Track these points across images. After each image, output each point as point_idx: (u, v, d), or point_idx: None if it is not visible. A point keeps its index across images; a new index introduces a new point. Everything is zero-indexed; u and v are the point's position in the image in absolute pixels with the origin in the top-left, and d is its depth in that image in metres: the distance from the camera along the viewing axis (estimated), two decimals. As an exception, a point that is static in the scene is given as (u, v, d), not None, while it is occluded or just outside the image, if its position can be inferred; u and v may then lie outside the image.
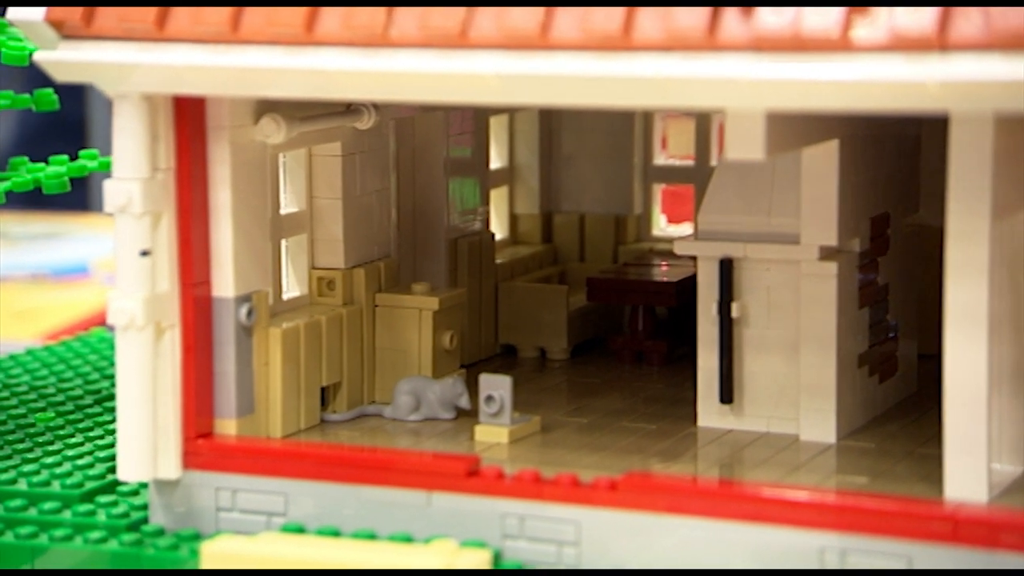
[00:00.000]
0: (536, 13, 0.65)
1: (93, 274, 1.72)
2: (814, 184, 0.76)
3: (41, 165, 0.94)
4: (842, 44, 0.60)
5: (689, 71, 0.63)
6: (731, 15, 0.63)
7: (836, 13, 0.60)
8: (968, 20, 0.59)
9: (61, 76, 0.73)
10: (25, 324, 1.49)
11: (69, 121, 0.72)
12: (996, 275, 0.66)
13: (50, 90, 0.96)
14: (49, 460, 0.86)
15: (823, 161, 0.76)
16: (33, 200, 1.36)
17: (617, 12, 0.64)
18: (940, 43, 0.59)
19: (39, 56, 0.73)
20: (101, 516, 0.78)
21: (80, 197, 1.68)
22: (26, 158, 0.95)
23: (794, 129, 0.68)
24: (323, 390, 0.83)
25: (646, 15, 0.63)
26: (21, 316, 1.51)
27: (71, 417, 0.96)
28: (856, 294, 0.79)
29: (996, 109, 0.62)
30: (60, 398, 1.02)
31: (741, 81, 0.62)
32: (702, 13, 0.63)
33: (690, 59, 0.63)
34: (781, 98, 0.63)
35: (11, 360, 1.12)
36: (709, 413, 0.80)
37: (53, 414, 0.96)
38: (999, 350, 0.67)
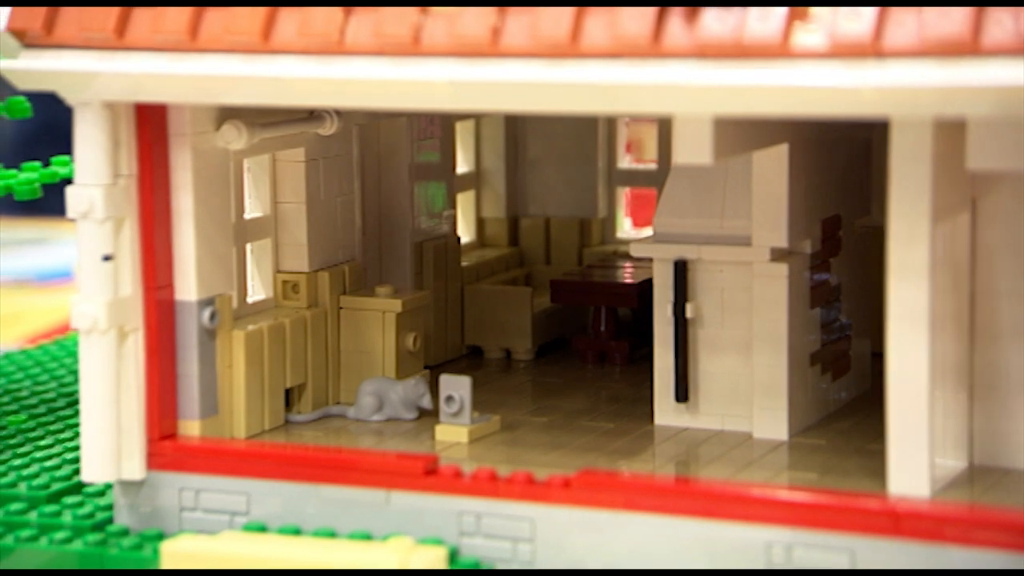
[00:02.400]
0: (487, 19, 0.65)
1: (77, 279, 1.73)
2: (764, 187, 0.76)
3: (13, 172, 0.94)
4: (783, 51, 0.61)
5: (636, 78, 0.63)
6: (676, 22, 0.63)
7: (778, 19, 0.60)
8: (903, 27, 0.59)
9: (23, 85, 0.73)
10: (8, 328, 1.49)
11: (64, 127, 0.72)
12: (938, 276, 0.66)
13: (22, 98, 0.96)
14: (17, 462, 0.86)
15: (773, 165, 0.76)
16: (19, 206, 1.36)
17: (565, 18, 0.64)
18: (875, 50, 0.59)
19: (1, 65, 0.73)
20: (67, 517, 0.78)
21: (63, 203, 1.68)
22: (0, 164, 0.96)
23: (743, 133, 0.68)
24: (288, 391, 0.83)
25: (593, 22, 0.64)
26: (4, 321, 1.51)
27: (43, 420, 0.97)
28: (808, 294, 0.79)
29: (934, 114, 0.62)
30: (33, 401, 1.02)
31: (687, 87, 0.63)
32: (647, 19, 0.63)
33: (636, 66, 0.64)
34: (727, 104, 0.63)
35: (-12, 364, 1.12)
36: (665, 411, 0.80)
37: (25, 416, 0.97)
38: (941, 348, 0.68)
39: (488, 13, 0.66)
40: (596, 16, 0.64)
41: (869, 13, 0.60)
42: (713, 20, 0.62)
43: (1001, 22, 0.58)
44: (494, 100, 0.69)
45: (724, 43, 0.62)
